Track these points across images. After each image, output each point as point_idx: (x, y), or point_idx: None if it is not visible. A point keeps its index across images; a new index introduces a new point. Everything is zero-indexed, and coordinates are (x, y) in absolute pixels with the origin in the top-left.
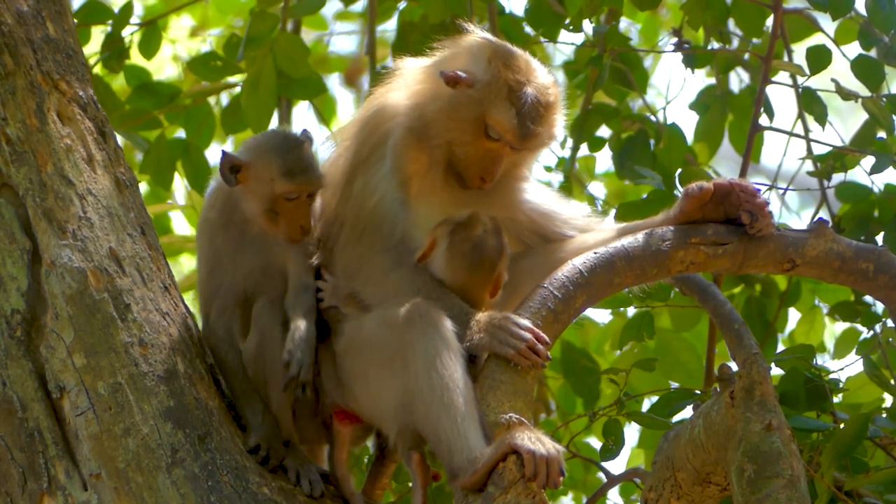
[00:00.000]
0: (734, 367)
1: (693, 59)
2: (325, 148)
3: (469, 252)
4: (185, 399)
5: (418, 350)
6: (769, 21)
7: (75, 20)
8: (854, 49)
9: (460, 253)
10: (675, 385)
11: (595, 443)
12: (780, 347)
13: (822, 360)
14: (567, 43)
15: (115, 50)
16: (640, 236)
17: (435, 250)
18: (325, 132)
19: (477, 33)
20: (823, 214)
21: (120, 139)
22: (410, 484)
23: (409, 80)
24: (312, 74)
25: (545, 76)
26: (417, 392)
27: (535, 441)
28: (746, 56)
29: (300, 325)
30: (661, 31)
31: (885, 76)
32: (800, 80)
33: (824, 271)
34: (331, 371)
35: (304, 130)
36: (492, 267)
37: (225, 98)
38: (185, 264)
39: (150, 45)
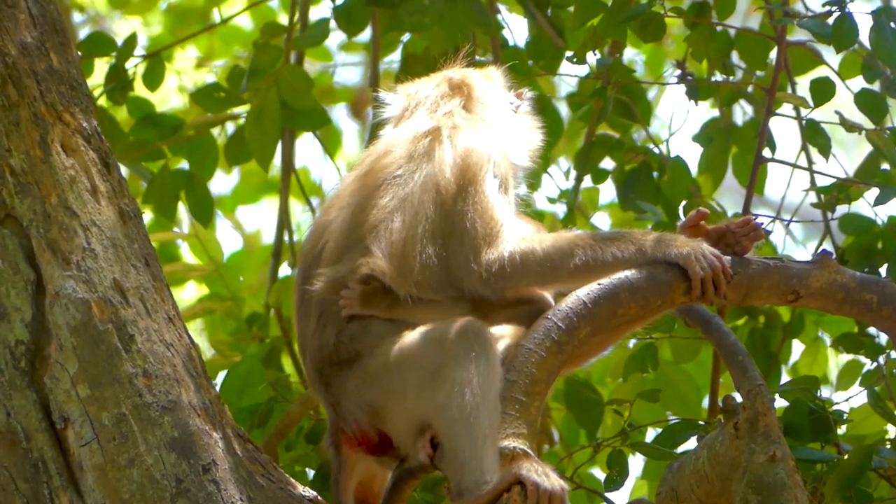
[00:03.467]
0: (738, 398)
1: (697, 91)
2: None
3: None
4: (190, 429)
5: (461, 364)
6: (773, 54)
7: (79, 52)
8: (858, 82)
9: None
10: (672, 416)
11: (599, 474)
12: (784, 379)
13: (826, 391)
14: (571, 75)
15: (118, 82)
16: (644, 267)
17: None
18: (330, 164)
19: None
20: (827, 246)
21: (124, 170)
22: None
23: None
24: (316, 106)
25: None
26: (447, 405)
27: (541, 474)
28: (750, 88)
29: None
30: (666, 63)
31: (889, 109)
32: (803, 112)
33: (828, 303)
34: (355, 395)
35: None
36: None
37: (229, 128)
38: (190, 292)
39: (153, 77)
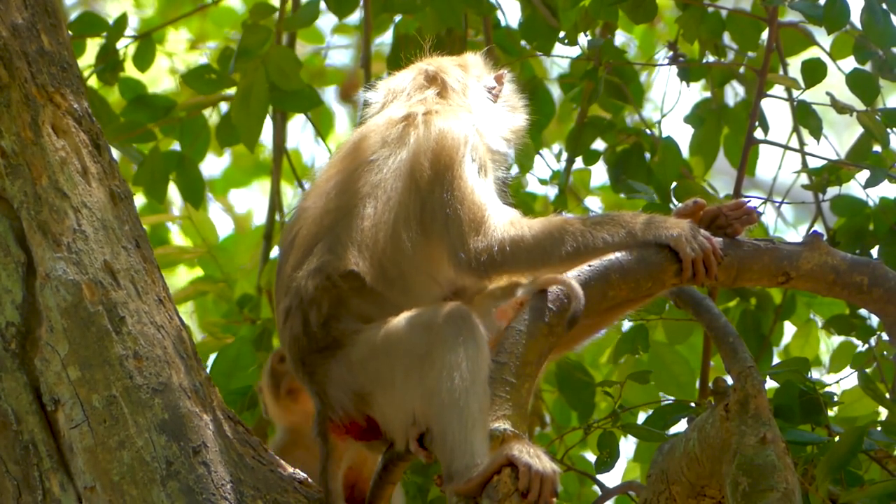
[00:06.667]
0: (729, 380)
1: (688, 72)
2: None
3: None
4: (180, 411)
5: (450, 348)
6: (764, 35)
7: (70, 32)
8: (849, 63)
9: None
10: (666, 398)
11: (590, 457)
12: (776, 361)
13: (818, 373)
14: (562, 56)
15: (109, 62)
16: (634, 250)
17: None
18: (322, 146)
19: None
20: (818, 228)
21: (115, 152)
22: None
23: None
24: (306, 87)
25: None
26: (436, 390)
27: (532, 456)
28: (742, 69)
29: None
30: (657, 44)
31: (880, 90)
32: (795, 93)
33: (819, 284)
34: (341, 383)
35: None
36: None
37: (221, 110)
38: (180, 275)
39: (144, 58)
